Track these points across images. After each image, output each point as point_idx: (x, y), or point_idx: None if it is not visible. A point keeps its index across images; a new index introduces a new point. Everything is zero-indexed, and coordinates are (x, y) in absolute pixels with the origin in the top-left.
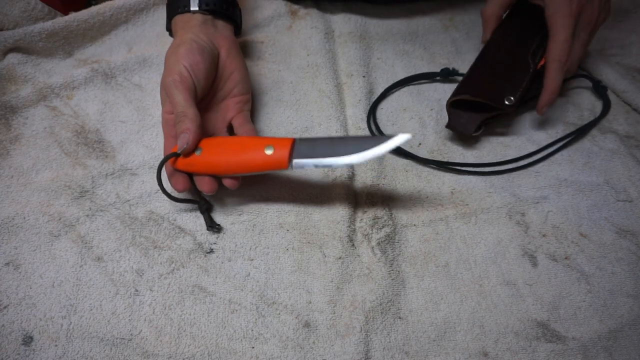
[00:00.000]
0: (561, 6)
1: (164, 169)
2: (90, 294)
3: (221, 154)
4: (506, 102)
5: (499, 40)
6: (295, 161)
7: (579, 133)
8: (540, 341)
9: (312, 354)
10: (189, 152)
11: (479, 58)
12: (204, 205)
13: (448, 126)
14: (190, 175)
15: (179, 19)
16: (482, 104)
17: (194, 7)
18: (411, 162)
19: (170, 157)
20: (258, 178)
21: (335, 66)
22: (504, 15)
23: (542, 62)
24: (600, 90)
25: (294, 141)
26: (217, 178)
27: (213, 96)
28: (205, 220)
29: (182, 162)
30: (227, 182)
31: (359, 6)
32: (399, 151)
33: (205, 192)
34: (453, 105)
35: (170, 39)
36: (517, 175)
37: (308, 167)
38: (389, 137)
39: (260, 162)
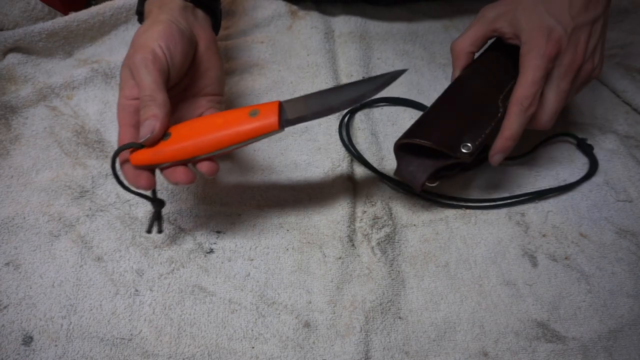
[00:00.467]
0: (535, 45)
1: (118, 161)
2: (90, 294)
3: (197, 132)
4: (463, 150)
5: (467, 79)
6: (287, 119)
7: (562, 190)
8: (540, 341)
9: (312, 354)
10: (154, 142)
11: (441, 97)
12: (158, 205)
13: (396, 174)
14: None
15: (154, 0)
16: (436, 150)
17: None
18: None
19: (129, 147)
20: (257, 176)
21: (335, 66)
22: (478, 54)
23: None
24: (585, 148)
25: (280, 103)
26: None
27: (183, 90)
28: (150, 220)
29: (144, 155)
30: (204, 168)
31: (359, 6)
32: (396, 183)
33: (182, 183)
34: (402, 148)
35: None
36: (517, 175)
37: (301, 122)
38: (384, 75)
39: (247, 129)
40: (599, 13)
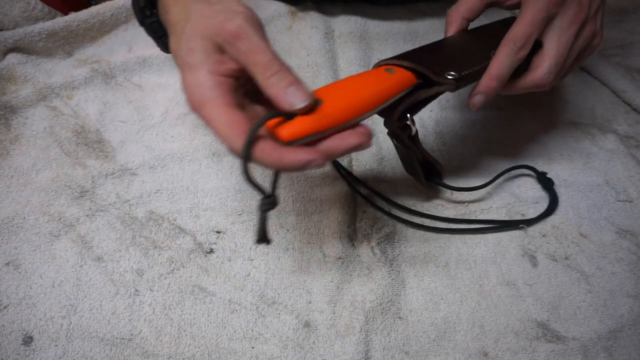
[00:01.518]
0: None
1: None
2: (90, 294)
3: (350, 93)
4: (447, 77)
5: (458, 35)
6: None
7: (505, 225)
8: (540, 341)
9: (312, 354)
10: (309, 109)
11: (428, 44)
12: (268, 204)
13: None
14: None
15: None
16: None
17: None
18: None
19: (278, 116)
20: (257, 176)
21: (335, 66)
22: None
23: None
24: (546, 183)
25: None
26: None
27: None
28: (259, 224)
29: (302, 124)
30: (356, 136)
31: (359, 6)
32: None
33: (359, 146)
34: None
35: None
36: (517, 175)
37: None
38: None
39: (391, 84)
40: None
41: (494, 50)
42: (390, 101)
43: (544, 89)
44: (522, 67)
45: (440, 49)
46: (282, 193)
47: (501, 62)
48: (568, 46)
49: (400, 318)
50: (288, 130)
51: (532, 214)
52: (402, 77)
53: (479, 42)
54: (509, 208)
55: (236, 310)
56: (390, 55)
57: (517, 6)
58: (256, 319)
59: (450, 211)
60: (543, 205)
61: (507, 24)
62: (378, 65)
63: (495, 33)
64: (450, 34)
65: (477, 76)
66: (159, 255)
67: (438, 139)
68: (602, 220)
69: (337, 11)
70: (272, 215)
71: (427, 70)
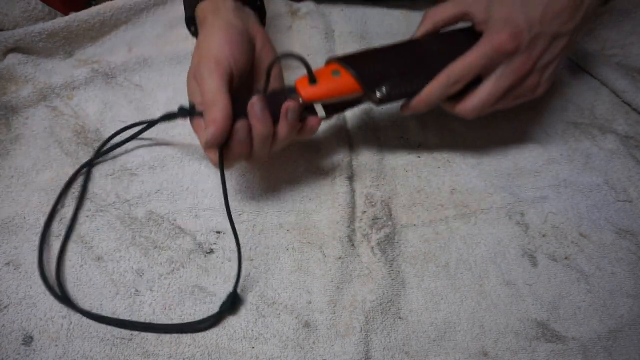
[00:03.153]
0: (494, 32)
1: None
2: (90, 294)
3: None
4: (377, 93)
5: (421, 41)
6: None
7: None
8: (540, 341)
9: (312, 354)
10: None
11: (391, 44)
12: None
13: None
14: None
15: (206, 6)
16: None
17: None
18: (411, 162)
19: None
20: (257, 176)
21: None
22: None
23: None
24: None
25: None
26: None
27: (247, 89)
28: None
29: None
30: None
31: (359, 6)
32: None
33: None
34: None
35: (173, 38)
36: (516, 175)
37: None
38: None
39: (336, 87)
40: (568, 29)
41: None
42: (338, 99)
43: (465, 118)
44: (458, 93)
45: (391, 56)
46: (281, 193)
47: (432, 89)
48: (501, 91)
49: (400, 318)
50: (307, 91)
51: (532, 213)
52: (345, 82)
53: (434, 56)
54: (509, 208)
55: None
56: None
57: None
58: (256, 319)
59: (450, 211)
60: (543, 205)
61: (475, 38)
62: (329, 62)
63: (457, 47)
64: (418, 34)
65: (407, 94)
66: (158, 255)
67: (438, 139)
68: (601, 220)
69: (337, 11)
70: (272, 215)
71: (361, 82)
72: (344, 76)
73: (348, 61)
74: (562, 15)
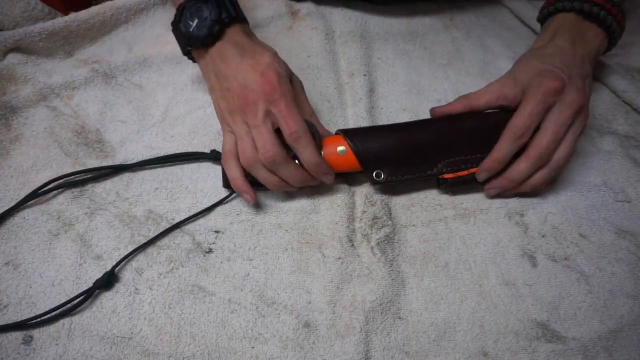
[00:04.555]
0: (536, 84)
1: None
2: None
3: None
4: (374, 176)
5: (441, 124)
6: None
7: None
8: (540, 341)
9: (312, 354)
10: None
11: (407, 123)
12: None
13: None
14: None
15: (237, 29)
16: None
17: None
18: None
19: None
20: None
21: (337, 67)
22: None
23: (448, 175)
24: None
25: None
26: None
27: None
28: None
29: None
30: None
31: (360, 6)
32: None
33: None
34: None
35: (173, 38)
36: None
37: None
38: None
39: (342, 163)
40: (588, 71)
41: (445, 160)
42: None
43: (551, 169)
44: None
45: (402, 137)
46: (281, 193)
47: (502, 147)
48: (566, 126)
49: (400, 318)
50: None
51: (531, 214)
52: (348, 161)
53: (445, 142)
54: (508, 208)
55: (236, 310)
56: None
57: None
58: (256, 319)
59: (449, 211)
60: (542, 206)
61: (497, 124)
62: (338, 133)
63: (478, 135)
64: (447, 110)
65: (406, 180)
66: (158, 254)
67: None
68: (601, 220)
69: (338, 11)
70: (271, 215)
71: (362, 165)
72: (348, 154)
73: (355, 139)
74: (576, 62)
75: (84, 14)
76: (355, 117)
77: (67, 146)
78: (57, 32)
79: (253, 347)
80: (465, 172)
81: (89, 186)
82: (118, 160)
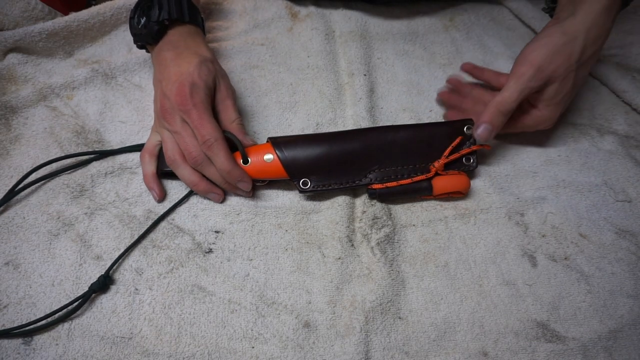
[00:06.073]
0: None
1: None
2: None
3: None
4: (301, 184)
5: (371, 132)
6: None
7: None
8: (540, 341)
9: (312, 354)
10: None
11: (348, 131)
12: None
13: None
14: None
15: (180, 31)
16: None
17: (185, 17)
18: None
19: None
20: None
21: (337, 67)
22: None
23: (376, 186)
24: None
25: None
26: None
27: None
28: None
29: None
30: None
31: (360, 6)
32: None
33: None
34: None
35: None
36: (515, 175)
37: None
38: None
39: (267, 171)
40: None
41: (375, 171)
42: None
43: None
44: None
45: (332, 147)
46: (280, 193)
47: (509, 90)
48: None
49: (400, 318)
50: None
51: (531, 214)
52: (274, 168)
53: (375, 153)
54: (508, 208)
55: (236, 310)
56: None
57: None
58: (256, 319)
59: (449, 211)
60: (542, 206)
61: (432, 136)
62: (269, 141)
63: (410, 147)
64: (478, 73)
65: (335, 188)
66: (157, 254)
67: None
68: (601, 220)
69: (338, 11)
70: (271, 215)
71: (288, 173)
72: (275, 162)
73: (282, 148)
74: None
75: (84, 14)
76: (355, 117)
77: (67, 146)
78: (57, 32)
79: (253, 347)
80: (394, 183)
81: (89, 186)
82: (118, 160)
